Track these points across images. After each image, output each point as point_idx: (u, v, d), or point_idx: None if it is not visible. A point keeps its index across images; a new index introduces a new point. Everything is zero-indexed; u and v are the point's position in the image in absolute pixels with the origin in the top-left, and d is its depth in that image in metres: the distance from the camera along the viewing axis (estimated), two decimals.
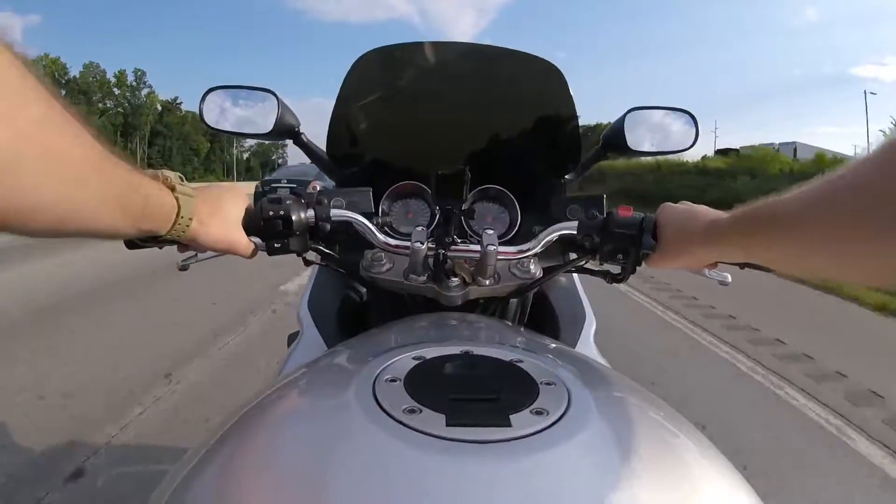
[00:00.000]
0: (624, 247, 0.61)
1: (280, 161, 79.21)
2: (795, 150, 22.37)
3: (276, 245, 0.60)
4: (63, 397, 2.13)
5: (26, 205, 0.30)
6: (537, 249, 0.66)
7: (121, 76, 59.73)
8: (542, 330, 0.78)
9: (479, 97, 0.91)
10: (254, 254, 0.59)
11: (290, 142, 0.90)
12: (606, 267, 0.67)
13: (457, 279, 0.63)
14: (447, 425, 0.30)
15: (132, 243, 0.54)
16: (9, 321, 3.08)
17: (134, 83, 60.51)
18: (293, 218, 0.59)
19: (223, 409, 1.76)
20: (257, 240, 0.59)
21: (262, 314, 3.40)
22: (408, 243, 0.63)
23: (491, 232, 0.65)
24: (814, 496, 1.68)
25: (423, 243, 0.62)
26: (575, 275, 0.88)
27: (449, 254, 0.64)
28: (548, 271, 0.69)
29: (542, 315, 0.84)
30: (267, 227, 0.59)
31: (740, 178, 14.38)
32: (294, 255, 0.63)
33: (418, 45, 0.86)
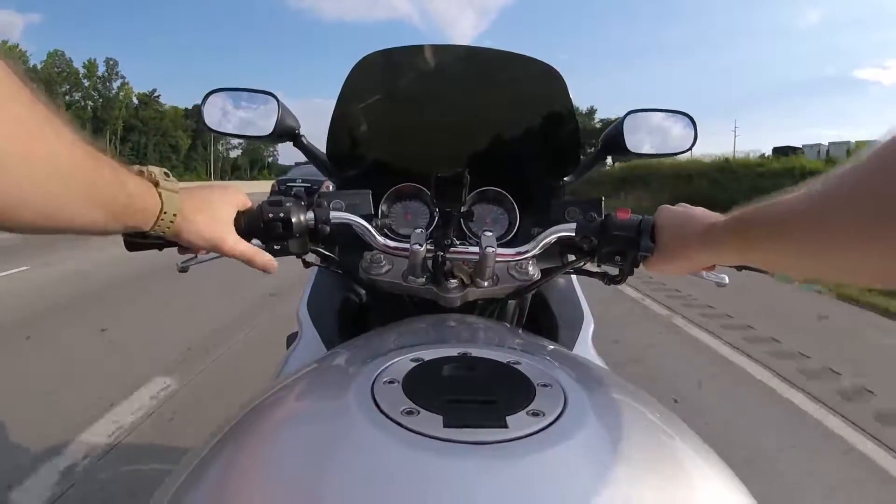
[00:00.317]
0: (622, 249, 0.61)
1: (271, 159, 76.52)
2: (848, 150, 22.05)
3: (276, 247, 0.60)
4: None
5: (9, 202, 0.31)
6: (536, 251, 0.67)
7: (90, 66, 55.02)
8: (541, 331, 0.79)
9: (479, 99, 0.91)
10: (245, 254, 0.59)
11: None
12: (604, 269, 0.67)
13: (455, 281, 0.64)
14: (444, 426, 0.31)
15: (131, 245, 0.55)
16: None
17: (105, 74, 55.89)
18: (293, 220, 0.59)
19: None
20: (257, 242, 0.60)
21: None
22: (407, 245, 0.63)
23: (490, 234, 0.65)
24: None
25: (422, 245, 0.62)
26: (573, 276, 0.88)
27: (448, 255, 0.65)
28: (546, 273, 0.69)
29: (541, 316, 0.84)
30: (267, 228, 0.59)
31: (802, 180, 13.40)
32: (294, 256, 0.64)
33: (418, 48, 0.87)
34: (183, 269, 0.64)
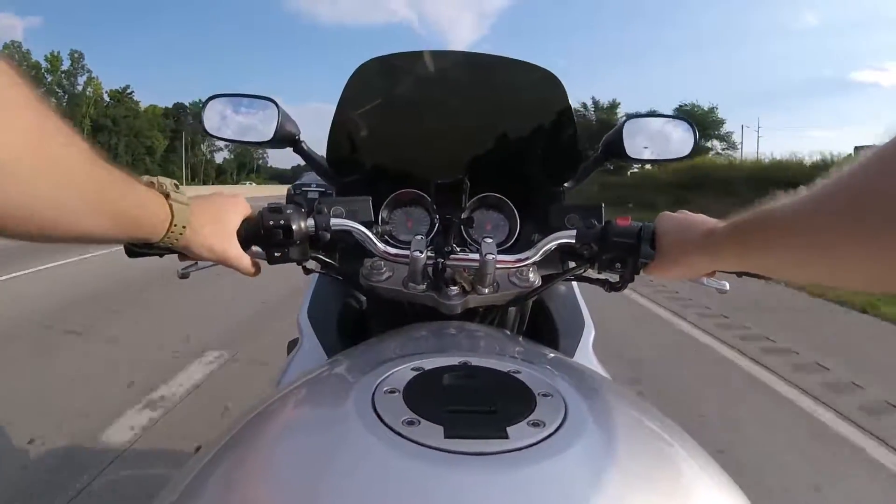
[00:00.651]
0: (622, 256, 0.61)
1: (260, 161, 74.61)
2: None
3: (276, 254, 0.60)
4: None
5: (18, 211, 0.31)
6: (536, 258, 0.67)
7: (53, 60, 50.11)
8: (541, 338, 0.78)
9: (479, 105, 0.91)
10: (250, 267, 0.59)
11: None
12: (605, 275, 0.67)
13: (456, 288, 0.64)
14: (445, 437, 0.31)
15: (132, 252, 0.54)
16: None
17: (70, 68, 50.95)
18: (293, 227, 0.59)
19: None
20: (258, 249, 0.60)
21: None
22: (407, 252, 0.63)
23: (490, 240, 0.65)
24: None
25: (422, 252, 0.62)
26: (574, 283, 0.88)
27: (448, 262, 0.65)
28: (546, 279, 0.69)
29: (541, 323, 0.84)
30: (267, 236, 0.59)
31: None
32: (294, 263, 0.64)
33: (418, 55, 0.87)
34: (184, 276, 0.64)
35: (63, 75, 51.40)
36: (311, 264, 0.68)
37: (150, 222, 0.45)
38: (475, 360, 0.43)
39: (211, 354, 2.79)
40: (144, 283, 4.28)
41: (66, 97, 50.03)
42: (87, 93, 52.42)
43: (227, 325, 3.35)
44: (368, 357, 0.50)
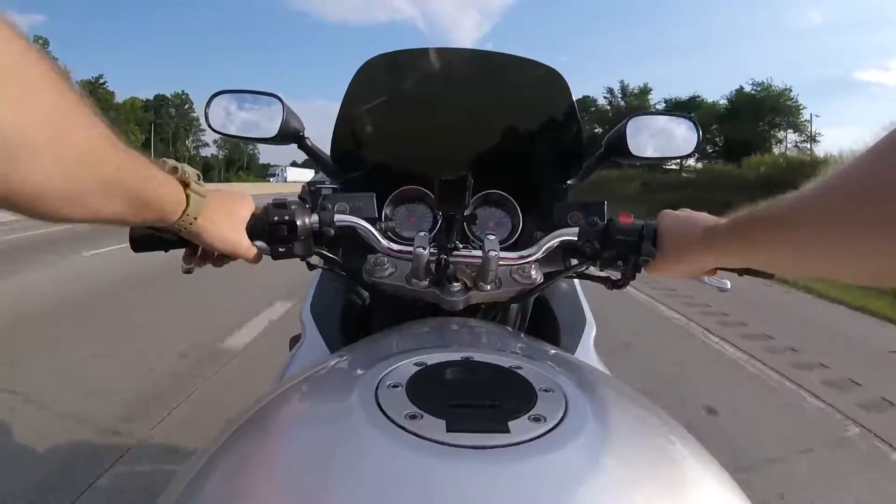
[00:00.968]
0: (624, 253, 0.62)
1: (251, 153, 73.00)
2: None
3: (280, 249, 0.61)
4: None
5: (36, 190, 0.31)
6: (538, 255, 0.67)
7: None
8: (543, 335, 0.79)
9: (482, 102, 0.91)
10: (257, 259, 0.60)
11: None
12: (607, 273, 0.67)
13: (458, 284, 0.64)
14: (447, 431, 0.31)
15: (138, 245, 0.55)
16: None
17: None
18: (298, 223, 0.60)
19: None
20: (262, 244, 0.60)
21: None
22: (410, 248, 0.63)
23: (493, 237, 0.65)
24: None
25: (425, 248, 0.63)
26: (576, 280, 0.89)
27: (451, 259, 0.65)
28: (548, 277, 0.69)
29: (543, 320, 0.84)
30: (272, 231, 0.59)
31: None
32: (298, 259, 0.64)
33: (422, 52, 0.87)
34: (188, 271, 0.64)
35: None
36: (314, 260, 0.68)
37: (164, 209, 0.45)
38: (477, 356, 0.43)
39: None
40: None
41: None
42: None
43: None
44: (371, 352, 0.51)
